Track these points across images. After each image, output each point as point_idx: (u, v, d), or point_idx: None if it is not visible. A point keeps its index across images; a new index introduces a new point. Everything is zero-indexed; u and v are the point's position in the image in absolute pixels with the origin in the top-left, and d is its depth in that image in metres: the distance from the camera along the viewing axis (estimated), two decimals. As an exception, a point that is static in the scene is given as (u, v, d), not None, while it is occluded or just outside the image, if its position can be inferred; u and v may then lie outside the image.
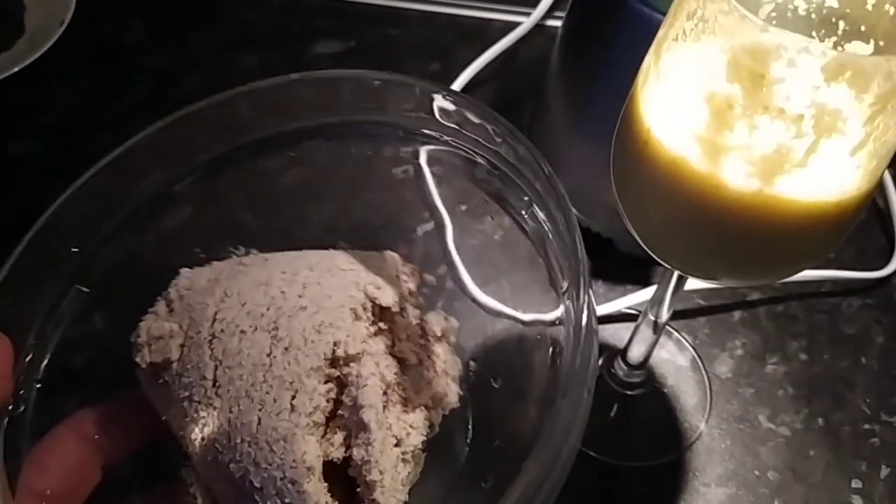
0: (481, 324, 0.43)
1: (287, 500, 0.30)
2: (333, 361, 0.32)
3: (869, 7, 0.30)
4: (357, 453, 0.32)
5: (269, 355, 0.31)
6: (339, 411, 0.32)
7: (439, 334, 0.39)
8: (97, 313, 0.35)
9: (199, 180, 0.37)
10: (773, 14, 0.32)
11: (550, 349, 0.37)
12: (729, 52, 0.28)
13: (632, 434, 0.50)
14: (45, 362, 0.33)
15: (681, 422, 0.50)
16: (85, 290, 0.34)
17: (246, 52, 0.67)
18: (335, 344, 0.32)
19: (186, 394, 0.31)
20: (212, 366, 0.31)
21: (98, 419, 0.32)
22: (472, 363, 0.41)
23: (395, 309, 0.36)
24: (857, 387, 0.52)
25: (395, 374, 0.35)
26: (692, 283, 0.52)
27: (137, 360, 0.32)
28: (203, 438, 0.31)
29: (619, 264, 0.55)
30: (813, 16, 0.32)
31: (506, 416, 0.40)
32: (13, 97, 0.62)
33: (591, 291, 0.33)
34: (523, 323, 0.41)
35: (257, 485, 0.30)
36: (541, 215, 0.36)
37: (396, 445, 0.34)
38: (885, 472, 0.48)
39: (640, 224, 0.35)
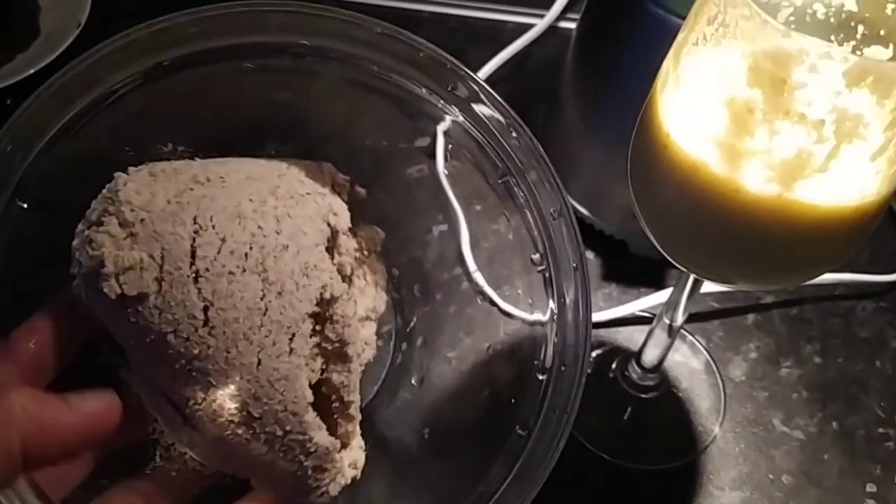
0: (495, 325, 0.43)
1: (287, 428, 0.32)
2: (320, 303, 0.34)
3: (888, 11, 0.30)
4: (337, 378, 0.34)
5: (262, 299, 0.32)
6: (322, 343, 0.34)
7: (371, 246, 0.40)
8: (35, 224, 0.35)
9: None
10: (792, 18, 0.32)
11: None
12: (750, 57, 0.28)
13: (646, 437, 0.50)
14: None
15: (695, 425, 0.50)
16: (23, 205, 0.35)
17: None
18: (323, 287, 0.34)
19: (171, 329, 0.31)
20: (201, 305, 0.31)
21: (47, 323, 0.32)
22: (394, 270, 0.43)
23: (345, 231, 0.37)
24: (872, 390, 0.52)
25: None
26: (706, 287, 0.51)
27: (105, 290, 0.31)
28: (192, 369, 0.32)
29: (633, 267, 0.55)
30: (832, 20, 0.32)
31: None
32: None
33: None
34: (531, 324, 0.41)
35: (256, 415, 0.31)
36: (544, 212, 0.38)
37: (357, 357, 0.36)
38: (899, 476, 0.48)
39: (658, 228, 0.35)
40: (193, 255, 0.32)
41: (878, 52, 0.31)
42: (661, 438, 0.50)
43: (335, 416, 0.35)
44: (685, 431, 0.49)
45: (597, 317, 0.53)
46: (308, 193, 0.36)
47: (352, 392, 0.35)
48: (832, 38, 0.32)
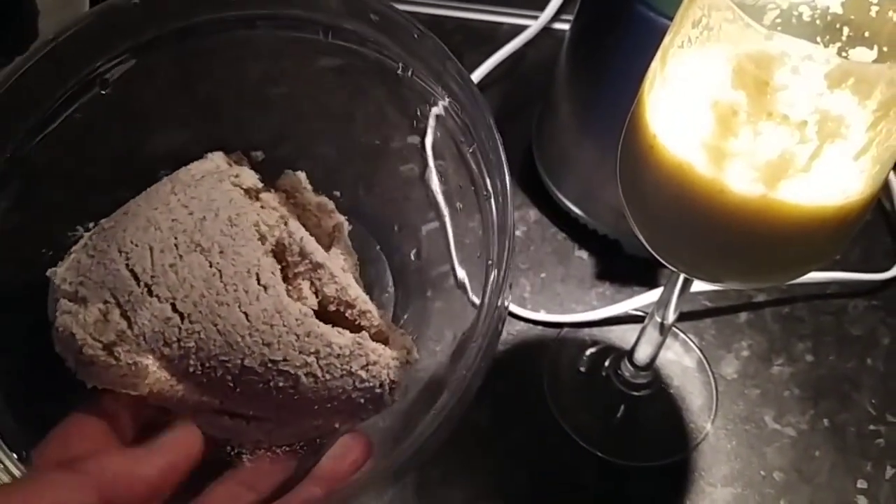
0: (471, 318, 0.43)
1: (312, 350, 0.33)
2: (262, 237, 0.35)
3: (873, 13, 0.31)
4: (329, 289, 0.35)
5: (211, 266, 0.33)
6: (293, 270, 0.35)
7: (297, 188, 0.41)
8: None
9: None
10: (778, 20, 0.32)
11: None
12: (733, 60, 0.28)
13: (638, 434, 0.50)
14: None
15: (687, 422, 0.50)
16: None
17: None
18: (255, 224, 0.35)
19: (160, 343, 0.33)
20: (168, 307, 0.33)
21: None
22: (336, 193, 0.44)
23: (257, 186, 0.39)
24: (863, 388, 0.52)
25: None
26: (698, 285, 0.52)
27: (88, 352, 0.32)
28: (202, 364, 0.33)
29: (626, 266, 0.56)
30: (817, 22, 0.32)
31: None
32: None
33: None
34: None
35: (279, 358, 0.32)
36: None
37: (345, 272, 0.37)
38: (890, 472, 0.49)
39: (647, 228, 0.35)
40: (135, 275, 0.33)
41: (863, 54, 0.31)
42: (654, 436, 0.50)
43: (357, 322, 0.36)
44: (677, 429, 0.50)
45: (590, 316, 0.53)
46: (203, 177, 0.37)
47: (349, 290, 0.35)
48: (818, 40, 0.32)
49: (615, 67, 0.49)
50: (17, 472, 0.30)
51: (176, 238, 0.34)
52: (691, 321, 0.54)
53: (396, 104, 0.42)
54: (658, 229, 0.35)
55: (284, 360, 0.32)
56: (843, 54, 0.32)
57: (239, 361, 0.32)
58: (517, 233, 0.42)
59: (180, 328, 0.33)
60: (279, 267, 0.35)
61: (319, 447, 0.36)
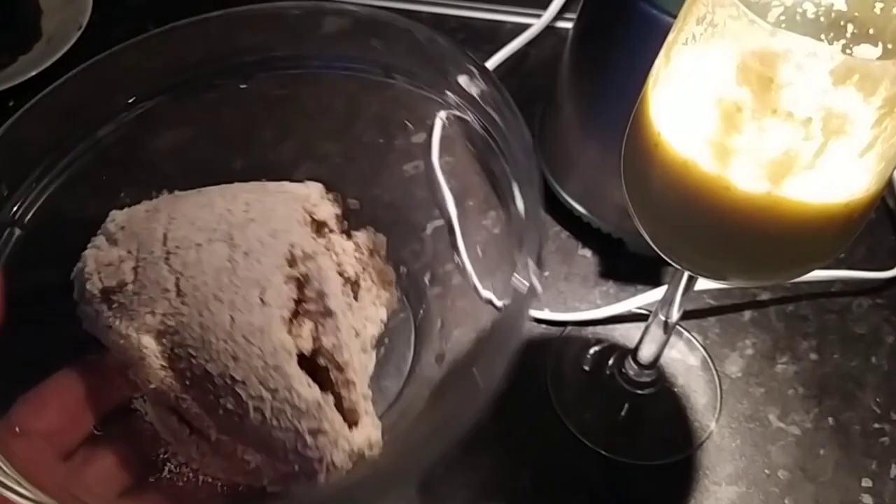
0: (483, 317, 0.43)
1: (272, 386, 0.31)
2: (292, 261, 0.34)
3: (877, 10, 0.31)
4: (327, 340, 0.33)
5: (230, 261, 0.32)
6: (305, 305, 0.34)
7: (371, 247, 0.40)
8: (32, 255, 0.36)
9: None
10: (783, 17, 0.32)
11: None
12: (738, 56, 0.28)
13: (643, 433, 0.50)
14: None
15: (691, 421, 0.50)
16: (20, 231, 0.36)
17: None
18: (291, 245, 0.34)
19: (148, 309, 0.32)
20: (172, 279, 0.32)
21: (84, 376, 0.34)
22: (402, 268, 0.43)
23: (331, 224, 0.37)
24: (868, 386, 0.52)
25: (343, 272, 0.37)
26: (702, 283, 0.52)
27: (88, 287, 0.33)
28: (172, 347, 0.32)
29: (630, 264, 0.56)
30: (822, 19, 0.32)
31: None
32: (32, 100, 0.62)
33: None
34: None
35: (238, 378, 0.31)
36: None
37: (356, 336, 0.35)
38: (894, 470, 0.49)
39: (651, 225, 0.35)
40: (165, 239, 0.33)
41: (867, 51, 0.31)
42: (658, 434, 0.50)
43: (336, 387, 0.34)
44: (682, 427, 0.50)
45: (594, 314, 0.53)
46: (284, 192, 0.37)
47: (346, 352, 0.33)
48: (822, 37, 0.32)
49: (618, 65, 0.49)
50: None
51: (218, 225, 0.33)
52: (695, 319, 0.54)
53: (403, 102, 0.42)
54: (662, 227, 0.35)
55: (242, 382, 0.31)
56: (848, 51, 0.31)
57: (203, 362, 0.32)
58: (497, 230, 0.42)
59: (170, 303, 0.32)
60: (294, 296, 0.33)
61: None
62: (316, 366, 0.34)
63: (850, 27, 0.32)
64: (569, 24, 0.59)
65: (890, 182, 0.43)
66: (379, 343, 0.39)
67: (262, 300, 0.32)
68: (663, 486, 0.48)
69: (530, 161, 0.34)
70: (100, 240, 0.34)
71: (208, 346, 0.31)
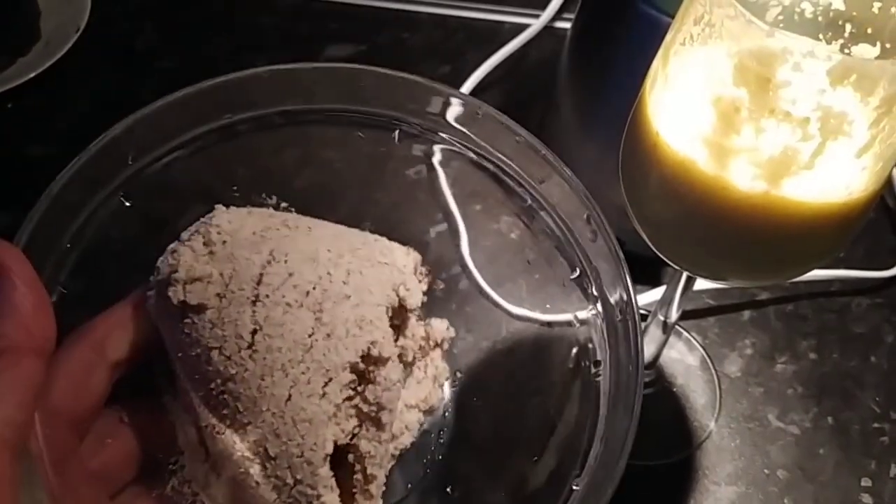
0: (496, 324, 0.43)
1: (298, 476, 0.31)
2: (366, 358, 0.33)
3: (875, 10, 0.31)
4: (365, 446, 0.33)
5: (310, 336, 0.32)
6: (359, 404, 0.33)
7: (439, 340, 0.40)
8: (129, 226, 0.37)
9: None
10: (781, 17, 0.32)
11: (575, 349, 0.38)
12: (735, 56, 0.28)
13: (642, 433, 0.50)
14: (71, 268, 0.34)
15: (690, 421, 0.50)
16: (127, 203, 0.37)
17: (257, 55, 0.68)
18: (372, 343, 0.33)
19: (217, 345, 0.32)
20: (251, 327, 0.32)
21: (106, 325, 0.33)
22: (458, 373, 0.42)
23: (415, 311, 0.37)
24: (867, 386, 0.52)
25: (404, 356, 0.37)
26: (701, 284, 0.52)
27: (170, 294, 0.32)
28: (224, 392, 0.32)
29: (629, 265, 0.55)
30: (820, 18, 0.32)
31: (493, 426, 0.41)
32: (30, 102, 0.62)
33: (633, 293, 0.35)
34: (541, 323, 0.41)
35: (272, 454, 0.31)
36: (554, 215, 0.38)
37: (391, 441, 0.35)
38: (894, 470, 0.49)
39: (649, 226, 0.35)
40: (259, 281, 0.32)
41: (865, 51, 0.31)
42: (657, 434, 0.50)
43: (354, 491, 0.34)
44: (681, 427, 0.50)
45: (593, 314, 0.53)
46: (386, 263, 0.36)
47: (377, 466, 0.33)
48: (820, 36, 0.32)
49: (617, 65, 0.49)
50: None
51: (314, 288, 0.33)
52: (694, 319, 0.54)
53: (405, 110, 0.42)
54: (661, 227, 0.35)
55: (273, 459, 0.31)
56: (846, 51, 0.32)
57: (244, 422, 0.32)
58: (514, 235, 0.42)
59: (241, 351, 0.32)
60: (352, 389, 0.33)
61: None
62: (343, 459, 0.33)
63: (848, 27, 0.32)
64: (567, 25, 0.59)
65: (889, 181, 0.43)
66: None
67: (323, 392, 0.32)
68: (663, 486, 0.48)
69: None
70: (197, 241, 0.33)
71: (257, 411, 0.31)
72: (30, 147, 0.61)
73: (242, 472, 0.32)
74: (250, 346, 0.32)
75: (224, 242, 0.33)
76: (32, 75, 0.61)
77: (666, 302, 0.43)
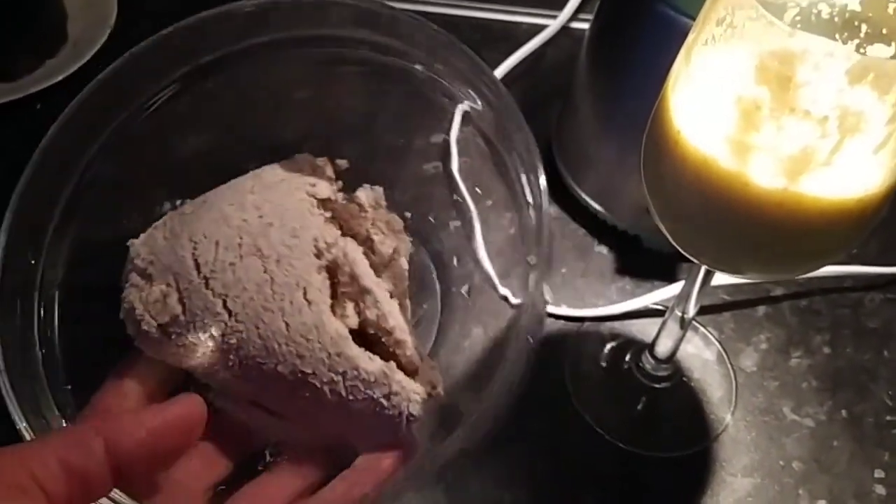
0: (502, 315, 0.44)
1: (340, 370, 0.34)
2: (319, 254, 0.36)
3: (890, 11, 0.32)
4: (371, 314, 0.36)
5: (265, 272, 0.35)
6: (341, 289, 0.36)
7: (373, 204, 0.42)
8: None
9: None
10: (798, 18, 0.33)
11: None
12: (757, 57, 0.29)
13: (659, 426, 0.51)
14: None
15: (707, 414, 0.51)
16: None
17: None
18: (314, 239, 0.36)
19: (206, 334, 0.35)
20: (219, 302, 0.35)
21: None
22: (406, 214, 0.44)
23: (333, 196, 0.40)
24: (880, 379, 0.53)
25: (357, 235, 0.40)
26: (717, 279, 0.52)
27: (144, 328, 0.35)
28: (240, 361, 0.35)
29: (646, 261, 0.56)
30: (836, 19, 0.33)
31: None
32: (59, 104, 0.63)
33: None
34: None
35: (309, 371, 0.34)
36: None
37: (391, 298, 0.38)
38: (908, 462, 0.50)
39: (671, 221, 0.36)
40: (198, 265, 0.36)
41: (880, 51, 0.32)
42: (675, 427, 0.51)
43: (391, 349, 0.36)
44: (698, 420, 0.51)
45: (611, 310, 0.54)
46: (283, 180, 0.39)
47: (389, 319, 0.36)
48: (836, 37, 0.33)
49: (635, 66, 0.50)
50: None
51: (241, 238, 0.36)
52: (710, 315, 0.55)
53: (419, 103, 0.43)
54: (682, 222, 0.36)
55: (313, 373, 0.34)
56: (861, 51, 0.32)
57: (273, 366, 0.34)
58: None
59: (226, 324, 0.35)
60: (329, 283, 0.36)
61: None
62: (368, 336, 0.36)
63: (863, 27, 0.33)
64: (584, 25, 0.60)
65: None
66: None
67: (307, 300, 0.35)
68: (680, 477, 0.49)
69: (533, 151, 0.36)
70: (134, 277, 0.37)
71: (273, 353, 0.34)
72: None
73: (303, 403, 0.35)
74: (230, 314, 0.35)
75: (151, 262, 0.37)
76: (61, 77, 0.62)
77: (683, 297, 0.44)
